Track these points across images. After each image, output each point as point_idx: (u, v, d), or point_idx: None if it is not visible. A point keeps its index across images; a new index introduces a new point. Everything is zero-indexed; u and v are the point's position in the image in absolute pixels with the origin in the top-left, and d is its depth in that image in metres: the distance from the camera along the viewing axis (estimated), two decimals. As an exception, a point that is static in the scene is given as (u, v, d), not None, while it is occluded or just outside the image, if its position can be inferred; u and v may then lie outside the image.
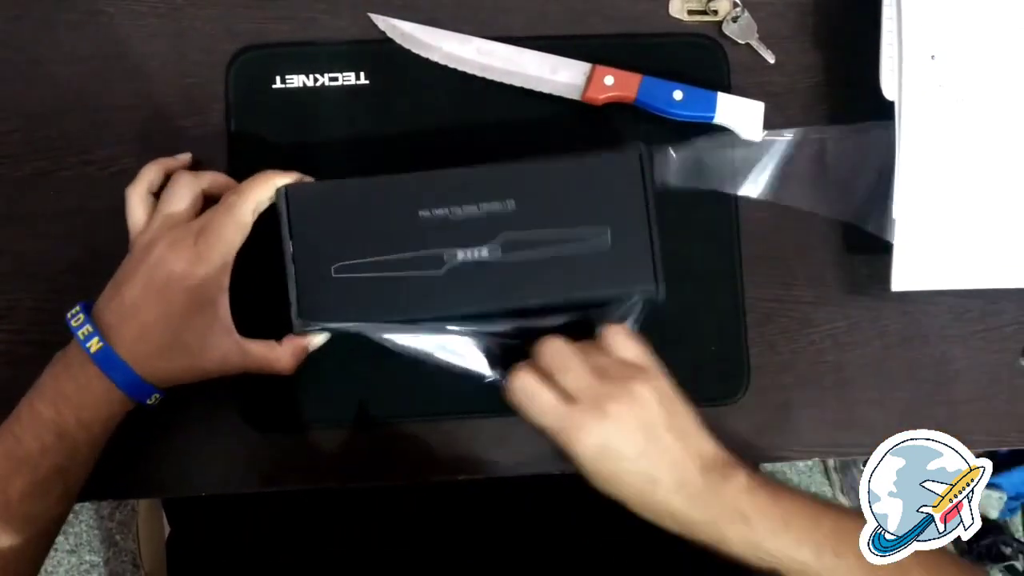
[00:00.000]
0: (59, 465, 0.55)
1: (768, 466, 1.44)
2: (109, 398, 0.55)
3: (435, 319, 0.58)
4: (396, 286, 0.57)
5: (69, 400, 0.55)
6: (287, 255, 0.57)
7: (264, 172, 0.58)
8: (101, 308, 0.56)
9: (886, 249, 0.61)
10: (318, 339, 0.60)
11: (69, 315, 0.56)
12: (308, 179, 0.59)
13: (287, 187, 0.58)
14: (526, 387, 0.54)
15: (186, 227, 0.57)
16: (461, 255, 0.57)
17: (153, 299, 0.55)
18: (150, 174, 0.60)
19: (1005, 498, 1.36)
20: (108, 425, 0.57)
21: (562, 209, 0.58)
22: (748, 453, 0.64)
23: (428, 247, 0.57)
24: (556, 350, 0.55)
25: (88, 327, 0.55)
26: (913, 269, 0.61)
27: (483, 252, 0.57)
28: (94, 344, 0.55)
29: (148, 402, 0.57)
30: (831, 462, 1.45)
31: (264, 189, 0.57)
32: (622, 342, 0.56)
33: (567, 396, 0.54)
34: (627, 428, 0.54)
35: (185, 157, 0.62)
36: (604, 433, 0.53)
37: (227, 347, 0.57)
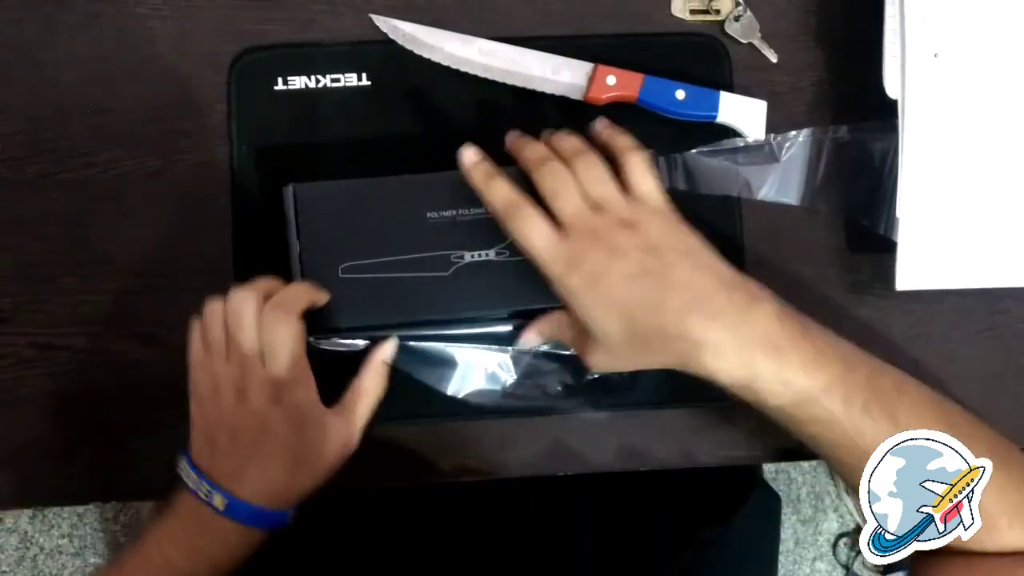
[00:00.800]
0: None
1: (771, 466, 1.44)
2: (250, 540, 0.56)
3: (441, 321, 0.58)
4: (403, 287, 0.57)
5: (204, 552, 0.55)
6: (293, 256, 0.57)
7: (299, 284, 0.58)
8: (206, 460, 0.56)
9: (890, 248, 0.61)
10: (389, 347, 0.60)
11: (179, 470, 0.56)
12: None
13: (294, 187, 0.58)
14: (524, 222, 0.53)
15: (252, 360, 0.56)
16: (468, 257, 0.57)
17: (255, 440, 0.55)
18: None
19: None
20: (234, 559, 0.56)
21: None
22: (750, 453, 0.64)
23: (435, 248, 0.57)
24: (555, 172, 0.54)
25: (206, 486, 0.55)
26: (917, 268, 0.61)
27: (489, 254, 0.57)
28: (219, 502, 0.54)
29: (290, 519, 0.57)
30: (836, 462, 1.45)
31: (306, 296, 0.57)
32: (640, 172, 0.55)
33: (561, 223, 0.53)
34: (622, 248, 0.52)
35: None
36: (595, 256, 0.51)
37: (339, 436, 0.58)
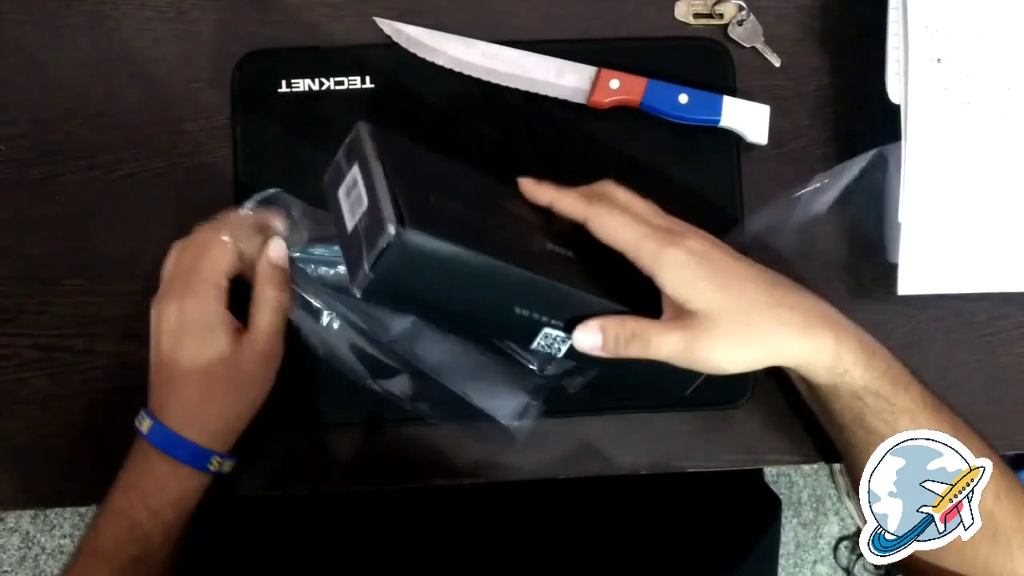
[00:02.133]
0: (134, 556, 0.55)
1: (773, 469, 1.44)
2: (174, 475, 0.55)
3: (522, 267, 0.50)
4: (492, 226, 0.51)
5: (137, 489, 0.55)
6: (370, 157, 0.48)
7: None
8: (152, 395, 0.57)
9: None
10: (274, 247, 0.57)
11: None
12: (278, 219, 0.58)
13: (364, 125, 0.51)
14: (614, 216, 0.52)
15: (173, 276, 0.57)
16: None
17: (167, 360, 0.55)
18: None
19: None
20: (180, 509, 0.56)
21: None
22: (752, 457, 0.64)
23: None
24: (621, 192, 0.55)
25: (142, 414, 0.56)
26: (919, 273, 0.61)
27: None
28: (144, 424, 0.55)
29: (211, 467, 0.56)
30: (837, 466, 1.45)
31: (244, 219, 0.57)
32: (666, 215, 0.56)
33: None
34: (713, 243, 0.53)
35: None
36: (694, 243, 0.52)
37: (251, 352, 0.56)
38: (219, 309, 0.56)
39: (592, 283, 0.53)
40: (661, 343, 0.52)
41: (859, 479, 0.56)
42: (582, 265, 0.53)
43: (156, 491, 0.55)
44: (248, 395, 0.57)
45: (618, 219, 0.52)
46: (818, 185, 0.62)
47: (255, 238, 0.58)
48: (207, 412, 0.56)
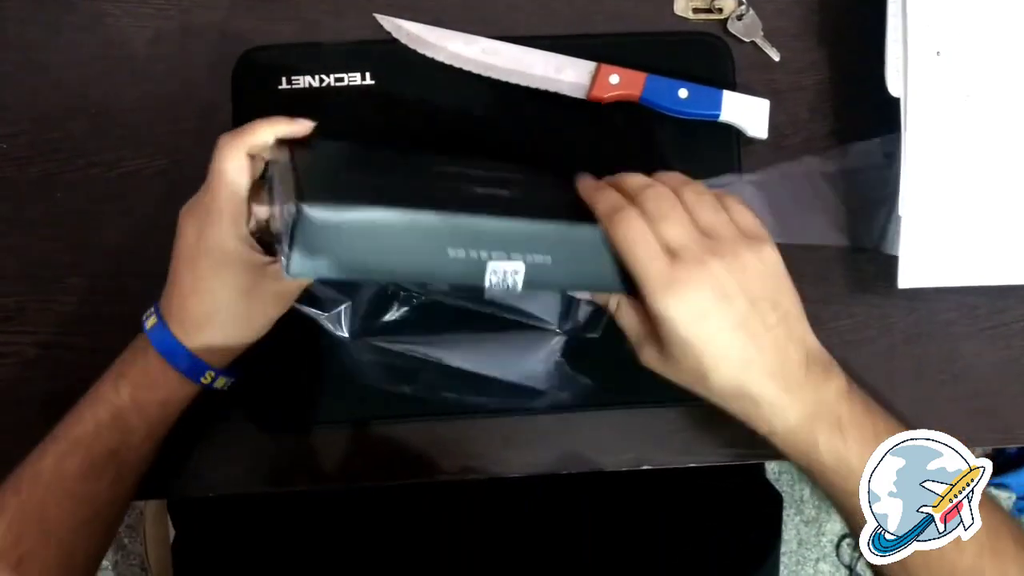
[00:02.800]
0: (111, 448, 0.55)
1: (774, 465, 1.44)
2: (165, 377, 0.55)
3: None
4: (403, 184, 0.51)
5: (127, 379, 0.55)
6: (283, 168, 0.50)
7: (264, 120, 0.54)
8: (164, 294, 0.56)
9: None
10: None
11: None
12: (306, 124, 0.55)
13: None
14: (632, 229, 0.49)
15: (200, 191, 0.55)
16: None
17: (182, 271, 0.54)
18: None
19: (1014, 498, 1.35)
20: (166, 410, 0.56)
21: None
22: (753, 452, 0.64)
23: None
24: (661, 196, 0.50)
25: (151, 310, 0.56)
26: (920, 266, 0.61)
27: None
28: (150, 321, 0.55)
29: (204, 381, 0.56)
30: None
31: (260, 132, 0.53)
32: (738, 208, 0.52)
33: (668, 249, 0.49)
34: (730, 294, 0.49)
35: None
36: (704, 295, 0.48)
37: (273, 286, 0.55)
38: (238, 238, 0.53)
39: (525, 208, 0.51)
40: (627, 326, 0.54)
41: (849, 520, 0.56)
42: (520, 198, 0.53)
43: (146, 387, 0.55)
44: (255, 324, 0.56)
45: (632, 246, 0.49)
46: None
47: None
48: (211, 331, 0.55)
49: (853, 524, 0.55)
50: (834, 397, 0.52)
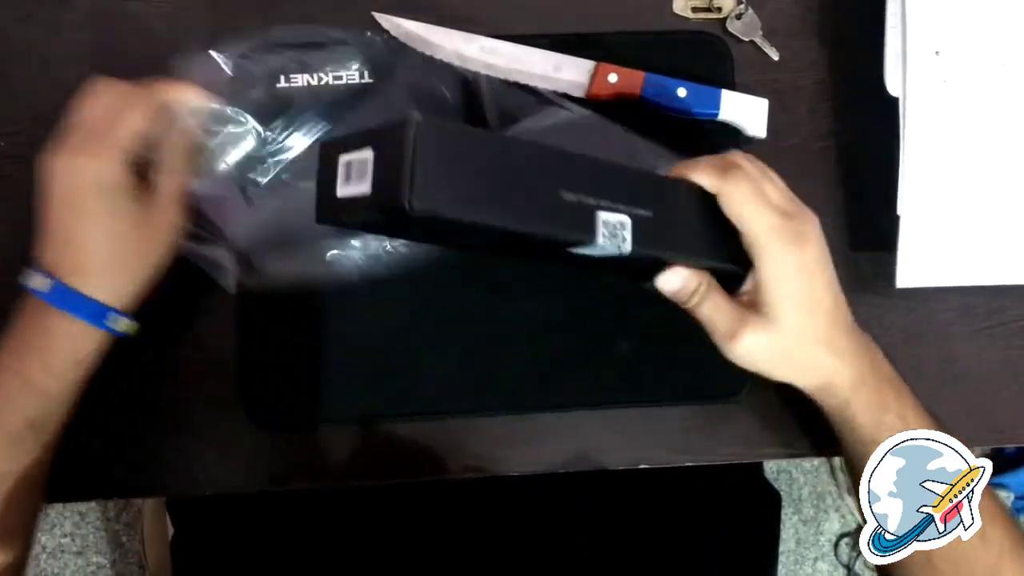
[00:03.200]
0: (29, 418, 0.54)
1: (772, 464, 1.44)
2: (71, 333, 0.53)
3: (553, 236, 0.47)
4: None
5: (32, 348, 0.54)
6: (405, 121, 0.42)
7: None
8: (39, 252, 0.54)
9: (891, 246, 0.61)
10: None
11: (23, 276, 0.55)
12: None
13: (419, 120, 0.43)
14: (745, 185, 0.51)
15: (79, 127, 0.54)
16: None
17: (63, 214, 0.53)
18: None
19: (1012, 497, 1.35)
20: (80, 369, 0.55)
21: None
22: (751, 451, 0.64)
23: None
24: (755, 163, 0.53)
25: (31, 272, 0.54)
26: (918, 266, 0.61)
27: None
28: (38, 282, 0.53)
29: (108, 324, 0.54)
30: (836, 461, 1.45)
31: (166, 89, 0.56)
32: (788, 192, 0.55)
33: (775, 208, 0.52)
34: (827, 254, 0.54)
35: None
36: (818, 250, 0.53)
37: (161, 220, 0.55)
38: (122, 171, 0.53)
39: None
40: (716, 315, 0.54)
41: (858, 481, 0.57)
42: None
43: (55, 349, 0.53)
44: (151, 257, 0.55)
45: (751, 201, 0.51)
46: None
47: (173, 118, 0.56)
48: (106, 271, 0.54)
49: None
50: (881, 357, 0.57)
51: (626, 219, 0.48)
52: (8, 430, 0.54)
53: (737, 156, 0.53)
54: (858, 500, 0.57)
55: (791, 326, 0.53)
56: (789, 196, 0.53)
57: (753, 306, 0.53)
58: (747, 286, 0.55)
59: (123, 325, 0.55)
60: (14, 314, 0.55)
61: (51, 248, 0.54)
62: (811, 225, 0.53)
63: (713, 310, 0.54)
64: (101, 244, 0.53)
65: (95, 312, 0.53)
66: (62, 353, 0.54)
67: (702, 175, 0.52)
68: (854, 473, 0.58)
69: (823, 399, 0.57)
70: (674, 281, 0.53)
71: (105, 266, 0.54)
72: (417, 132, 0.42)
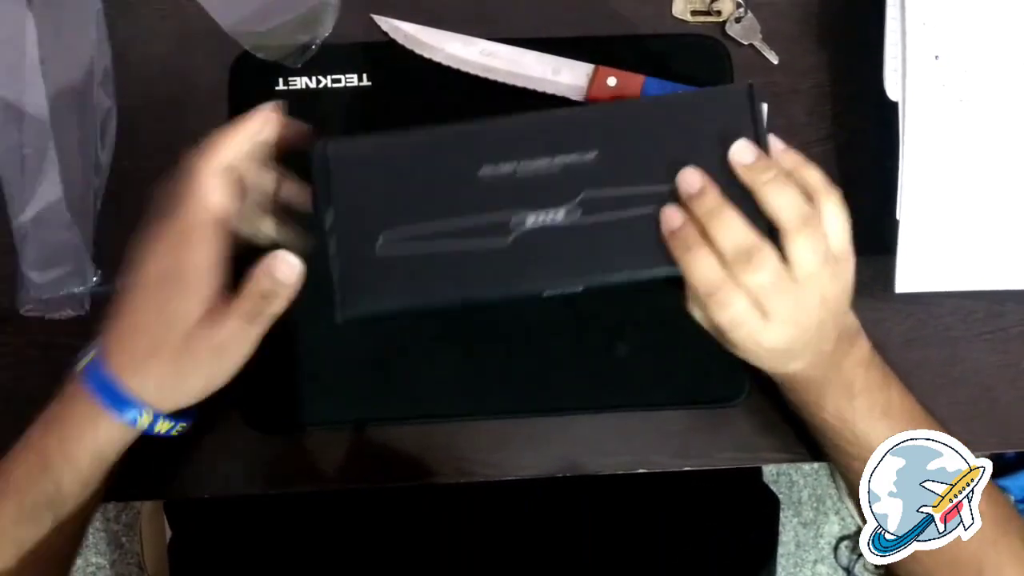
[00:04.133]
0: (46, 494, 0.52)
1: (772, 468, 1.44)
2: (92, 418, 0.51)
3: (502, 297, 0.49)
4: (453, 261, 0.48)
5: (54, 424, 0.52)
6: (324, 229, 0.48)
7: (236, 123, 0.51)
8: (106, 329, 0.52)
9: (890, 250, 0.61)
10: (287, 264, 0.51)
11: None
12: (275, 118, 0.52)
13: (326, 143, 0.49)
14: (822, 241, 0.49)
15: (168, 216, 0.51)
16: (531, 219, 0.48)
17: (137, 300, 0.51)
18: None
19: (1013, 501, 1.35)
20: (97, 460, 0.52)
21: (654, 158, 0.48)
22: (750, 455, 0.64)
23: (491, 211, 0.48)
24: (799, 206, 0.49)
25: (88, 347, 0.52)
26: (917, 270, 0.61)
27: (558, 215, 0.48)
28: (86, 359, 0.52)
29: (138, 422, 0.51)
30: (837, 464, 1.45)
31: (231, 145, 0.50)
32: (838, 223, 0.51)
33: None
34: (824, 301, 0.50)
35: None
36: (810, 306, 0.50)
37: (228, 336, 0.50)
38: (201, 267, 0.49)
39: (586, 266, 0.49)
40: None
41: (847, 481, 0.58)
42: (574, 237, 0.49)
43: (75, 437, 0.51)
44: (212, 367, 0.51)
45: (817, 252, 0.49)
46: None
47: (263, 168, 0.52)
48: (156, 368, 0.50)
49: (854, 492, 0.57)
50: (852, 365, 0.55)
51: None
52: (25, 504, 0.52)
53: (832, 195, 0.50)
54: (855, 502, 0.58)
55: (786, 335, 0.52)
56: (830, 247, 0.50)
57: None
58: None
59: (161, 425, 0.52)
60: (57, 388, 0.54)
61: (112, 330, 0.51)
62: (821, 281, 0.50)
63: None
64: (160, 338, 0.50)
65: (123, 403, 0.51)
66: (82, 444, 0.52)
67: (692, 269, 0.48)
68: (832, 461, 0.59)
69: (797, 389, 0.56)
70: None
71: (153, 365, 0.50)
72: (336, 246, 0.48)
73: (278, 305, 0.51)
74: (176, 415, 0.53)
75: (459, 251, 0.48)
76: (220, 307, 0.50)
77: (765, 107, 0.63)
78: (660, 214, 0.49)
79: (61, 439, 0.52)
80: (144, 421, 0.52)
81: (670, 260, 0.48)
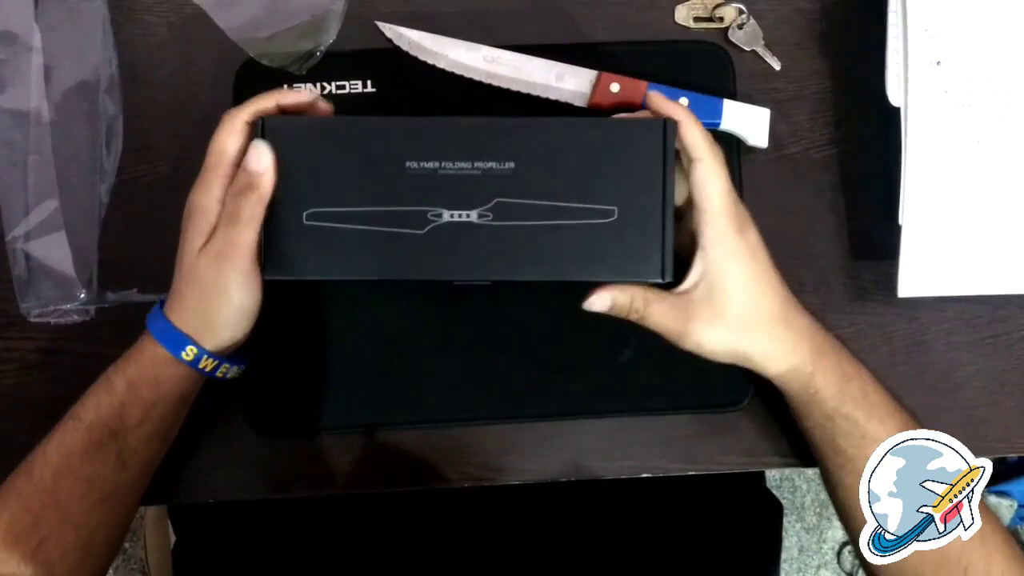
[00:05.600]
0: (111, 428, 0.55)
1: (775, 472, 1.44)
2: (153, 355, 0.55)
3: (412, 281, 0.55)
4: (372, 241, 0.53)
5: (126, 361, 0.56)
6: None
7: (266, 93, 0.55)
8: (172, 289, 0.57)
9: (892, 255, 0.61)
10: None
11: None
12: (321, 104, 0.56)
13: (265, 119, 0.54)
14: (719, 158, 0.53)
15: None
16: (447, 215, 0.53)
17: (187, 285, 0.54)
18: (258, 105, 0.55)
19: (1016, 506, 1.35)
20: (159, 391, 0.56)
21: (566, 177, 0.53)
22: (753, 459, 0.64)
23: (412, 202, 0.52)
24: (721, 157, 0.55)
25: (159, 298, 0.57)
26: (920, 275, 0.61)
27: (471, 215, 0.52)
28: (152, 311, 0.56)
29: (185, 356, 0.55)
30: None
31: (257, 104, 0.54)
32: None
33: None
34: (760, 241, 0.55)
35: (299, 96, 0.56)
36: (756, 237, 0.55)
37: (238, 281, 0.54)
38: (208, 202, 0.54)
39: (491, 263, 0.53)
40: (663, 320, 0.55)
41: (835, 496, 0.59)
42: (484, 237, 0.53)
43: (138, 368, 0.56)
44: (217, 281, 0.54)
45: (724, 182, 0.53)
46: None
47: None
48: (181, 297, 0.55)
49: (825, 463, 0.59)
50: (830, 340, 0.58)
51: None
52: (92, 436, 0.55)
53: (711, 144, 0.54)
54: (836, 501, 0.60)
55: (743, 309, 0.54)
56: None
57: (701, 296, 0.54)
58: (693, 277, 0.54)
59: (206, 363, 0.56)
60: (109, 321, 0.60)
61: (172, 298, 0.56)
62: (750, 220, 0.55)
63: (660, 316, 0.55)
64: (214, 318, 0.55)
65: (174, 340, 0.55)
66: (143, 373, 0.56)
67: (694, 133, 0.53)
68: (822, 460, 0.59)
69: (789, 382, 0.57)
70: (601, 302, 0.55)
71: (213, 328, 0.55)
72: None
73: (255, 200, 0.53)
74: (223, 357, 0.57)
75: (379, 232, 0.53)
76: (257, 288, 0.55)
77: (768, 113, 0.63)
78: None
79: (129, 375, 0.56)
80: (189, 354, 0.55)
81: (568, 270, 0.53)
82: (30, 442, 0.56)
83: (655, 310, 0.55)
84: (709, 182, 0.53)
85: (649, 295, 0.55)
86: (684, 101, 0.62)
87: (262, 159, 0.53)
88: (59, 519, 0.54)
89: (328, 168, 0.53)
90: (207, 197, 0.54)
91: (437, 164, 0.52)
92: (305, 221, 0.53)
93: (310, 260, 0.53)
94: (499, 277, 0.53)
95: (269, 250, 0.53)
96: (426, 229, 0.52)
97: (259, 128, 0.53)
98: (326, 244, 0.53)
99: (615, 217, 0.53)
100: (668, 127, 0.53)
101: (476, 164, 0.52)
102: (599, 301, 0.55)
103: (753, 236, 0.54)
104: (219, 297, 0.54)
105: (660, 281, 0.53)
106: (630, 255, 0.53)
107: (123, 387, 0.55)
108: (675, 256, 0.53)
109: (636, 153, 0.53)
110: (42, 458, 0.55)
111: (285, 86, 0.56)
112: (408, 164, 0.52)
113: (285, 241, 0.53)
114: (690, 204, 0.54)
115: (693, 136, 0.53)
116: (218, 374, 0.57)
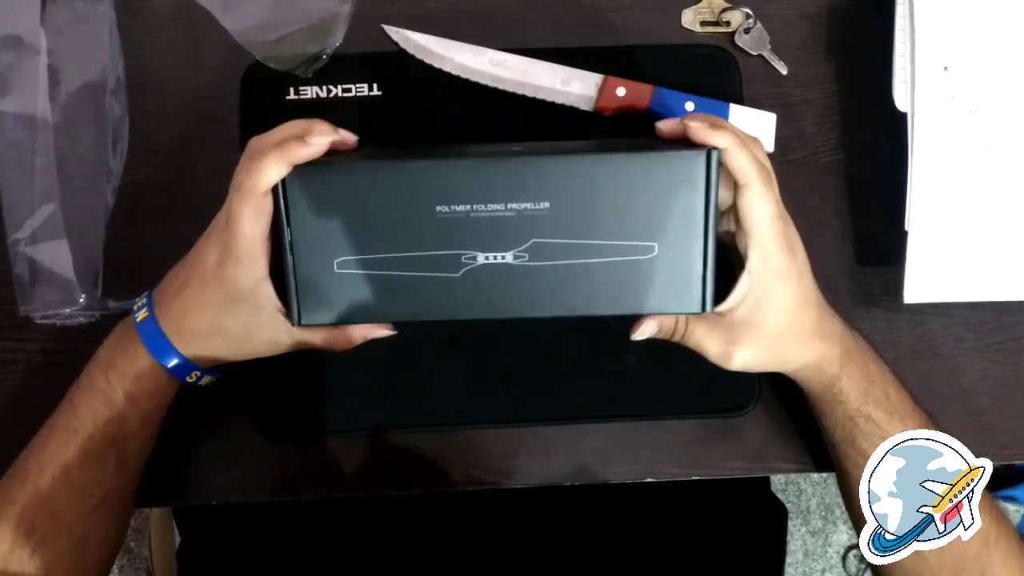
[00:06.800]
0: (109, 436, 0.55)
1: (781, 477, 1.43)
2: (153, 371, 0.55)
3: (448, 321, 0.53)
4: (405, 285, 0.51)
5: (117, 370, 0.56)
6: (284, 244, 0.51)
7: (277, 139, 0.51)
8: (162, 284, 0.56)
9: (899, 261, 0.61)
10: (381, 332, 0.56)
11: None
12: (326, 133, 0.51)
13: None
14: (772, 183, 0.52)
15: (220, 215, 0.53)
16: (482, 258, 0.51)
17: (193, 287, 0.53)
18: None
19: (1022, 511, 1.35)
20: (156, 401, 0.57)
21: (604, 214, 0.50)
22: (759, 465, 0.64)
23: (444, 247, 0.51)
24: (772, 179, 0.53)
25: (143, 300, 0.56)
26: (926, 281, 0.61)
27: (507, 257, 0.51)
28: (141, 314, 0.55)
29: (189, 380, 0.56)
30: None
31: (276, 163, 0.49)
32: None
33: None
34: (802, 254, 0.55)
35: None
36: (801, 259, 0.54)
37: (273, 332, 0.54)
38: (255, 281, 0.52)
39: (528, 302, 0.52)
40: (704, 342, 0.55)
41: (850, 498, 0.58)
42: (521, 277, 0.52)
43: (135, 379, 0.55)
44: (248, 350, 0.55)
45: (774, 209, 0.51)
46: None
47: None
48: (204, 344, 0.55)
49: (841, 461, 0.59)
50: (855, 339, 0.58)
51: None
52: (91, 445, 0.55)
53: (759, 149, 0.52)
54: (848, 497, 0.59)
55: (783, 326, 0.54)
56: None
57: (742, 317, 0.53)
58: (736, 296, 0.53)
59: (203, 380, 0.57)
60: (114, 325, 0.57)
61: (169, 296, 0.55)
62: (792, 227, 0.54)
63: (701, 337, 0.55)
64: (211, 328, 0.54)
65: (181, 368, 0.55)
66: (141, 384, 0.56)
67: (740, 158, 0.50)
68: (840, 460, 0.59)
69: (814, 384, 0.58)
70: (648, 330, 0.55)
71: (205, 342, 0.55)
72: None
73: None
74: (211, 370, 0.57)
75: (411, 277, 0.52)
76: (266, 307, 0.54)
77: (774, 117, 0.63)
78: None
79: (125, 385, 0.55)
80: (193, 377, 0.56)
81: (607, 305, 0.51)
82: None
83: (696, 330, 0.55)
84: (756, 209, 0.51)
85: (691, 316, 0.54)
86: (690, 105, 0.62)
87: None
88: (55, 524, 0.55)
89: (357, 216, 0.51)
90: (247, 279, 0.52)
91: (469, 207, 0.50)
92: (336, 269, 0.52)
93: (344, 306, 0.52)
94: (536, 315, 0.52)
95: (302, 298, 0.52)
96: (460, 272, 0.51)
97: (281, 185, 0.50)
98: (359, 290, 0.52)
99: (655, 253, 0.51)
100: (711, 159, 0.49)
101: (510, 205, 0.50)
102: (647, 330, 0.54)
103: (800, 256, 0.54)
104: (263, 350, 0.55)
105: (701, 313, 0.52)
106: (670, 289, 0.51)
107: (122, 399, 0.55)
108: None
109: (677, 187, 0.50)
110: (36, 465, 0.55)
111: (293, 124, 0.52)
112: (439, 208, 0.50)
113: (317, 289, 0.52)
114: (737, 222, 0.52)
115: (740, 161, 0.50)
116: (204, 384, 0.58)
